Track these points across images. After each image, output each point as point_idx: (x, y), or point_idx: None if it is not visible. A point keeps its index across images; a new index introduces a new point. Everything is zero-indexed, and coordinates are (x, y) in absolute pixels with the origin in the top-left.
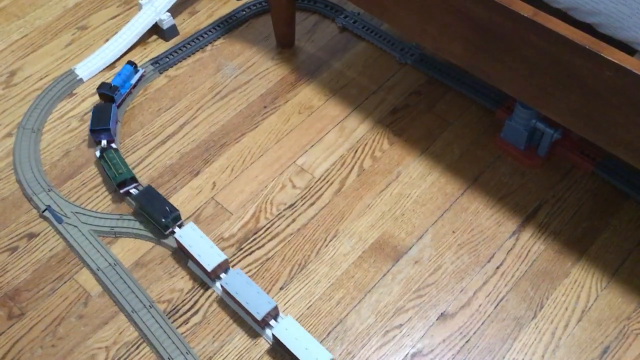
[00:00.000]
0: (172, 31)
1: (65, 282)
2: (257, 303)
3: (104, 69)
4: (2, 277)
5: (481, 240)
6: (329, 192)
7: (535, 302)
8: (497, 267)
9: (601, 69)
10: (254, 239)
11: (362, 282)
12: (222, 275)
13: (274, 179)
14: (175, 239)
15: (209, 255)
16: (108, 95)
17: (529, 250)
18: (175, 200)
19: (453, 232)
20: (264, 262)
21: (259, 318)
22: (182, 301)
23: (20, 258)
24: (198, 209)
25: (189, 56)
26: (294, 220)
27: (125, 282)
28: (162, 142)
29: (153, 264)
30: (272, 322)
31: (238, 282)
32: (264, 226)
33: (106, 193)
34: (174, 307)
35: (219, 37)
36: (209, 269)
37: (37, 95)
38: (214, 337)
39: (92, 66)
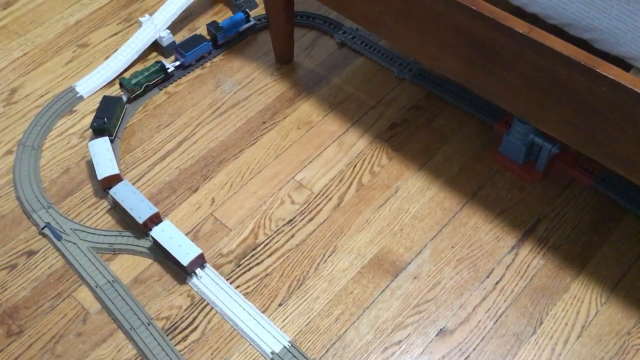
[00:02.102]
0: (172, 48)
1: (64, 300)
2: (140, 209)
3: (104, 86)
4: (1, 295)
5: (480, 256)
6: (328, 207)
7: (535, 318)
8: (497, 283)
9: (597, 85)
10: (253, 255)
11: (361, 297)
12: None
13: (273, 195)
14: (89, 146)
15: (105, 167)
16: (213, 33)
17: (528, 265)
18: (174, 217)
19: (452, 247)
20: (263, 278)
21: (141, 222)
22: (181, 318)
23: (20, 275)
24: (197, 225)
25: (188, 73)
26: (292, 236)
27: (123, 299)
28: (161, 159)
29: (151, 281)
30: (153, 227)
31: (125, 192)
32: (263, 242)
33: (105, 210)
34: (172, 324)
35: (218, 54)
36: (99, 177)
37: (38, 113)
38: (212, 354)
39: (92, 83)
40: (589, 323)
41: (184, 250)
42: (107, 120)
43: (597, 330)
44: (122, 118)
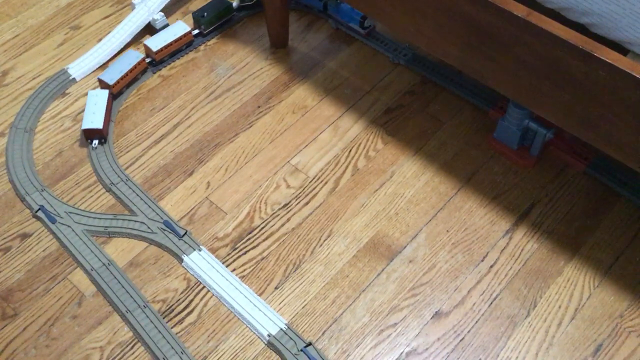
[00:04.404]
0: None
1: (59, 282)
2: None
3: (97, 69)
4: None
5: (475, 239)
6: (323, 191)
7: (529, 301)
8: (491, 266)
9: (594, 69)
10: (249, 239)
11: (357, 281)
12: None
13: (268, 179)
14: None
15: (90, 119)
16: None
17: (522, 249)
18: (169, 200)
19: (447, 231)
20: (259, 262)
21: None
22: (177, 301)
23: (14, 258)
24: (192, 209)
25: (183, 56)
26: (288, 220)
27: (119, 282)
28: (155, 142)
29: (147, 264)
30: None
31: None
32: (259, 226)
33: (100, 193)
34: (168, 306)
35: (213, 37)
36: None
37: (30, 95)
38: (208, 336)
39: (85, 66)
40: (582, 306)
41: (91, 119)
42: (206, 14)
43: (590, 312)
44: (224, 24)
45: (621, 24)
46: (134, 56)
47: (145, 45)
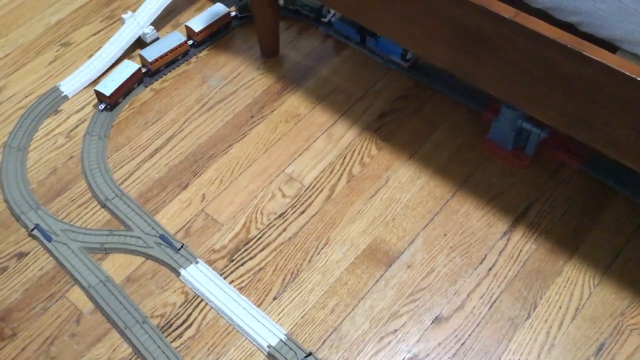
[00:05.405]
0: None
1: (56, 301)
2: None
3: (88, 85)
4: None
5: (473, 242)
6: (319, 199)
7: (529, 302)
8: (490, 268)
9: (584, 68)
10: (246, 250)
11: (356, 288)
12: None
13: (264, 189)
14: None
15: (106, 84)
16: None
17: (520, 250)
18: (165, 214)
19: (444, 235)
20: (257, 273)
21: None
22: (175, 315)
23: (11, 278)
24: (188, 222)
25: (174, 69)
26: (284, 230)
27: (117, 298)
28: (150, 156)
29: (144, 279)
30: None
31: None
32: (255, 236)
33: (95, 209)
34: (167, 321)
35: (204, 49)
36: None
37: (22, 114)
38: (208, 350)
39: (76, 82)
40: (583, 305)
41: (106, 84)
42: None
43: (591, 312)
44: None
45: (609, 22)
46: (177, 38)
47: (186, 27)
